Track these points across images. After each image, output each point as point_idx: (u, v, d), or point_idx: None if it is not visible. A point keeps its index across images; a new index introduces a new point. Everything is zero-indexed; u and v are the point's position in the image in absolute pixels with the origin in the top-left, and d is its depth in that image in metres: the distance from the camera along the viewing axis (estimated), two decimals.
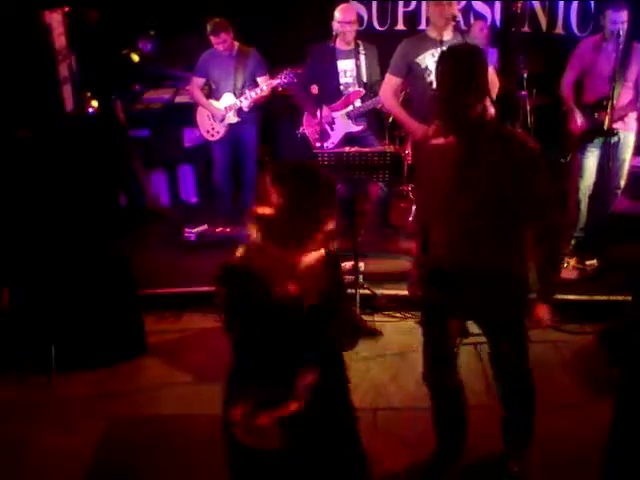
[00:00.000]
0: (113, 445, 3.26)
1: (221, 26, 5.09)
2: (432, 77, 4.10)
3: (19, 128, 3.65)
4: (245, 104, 5.20)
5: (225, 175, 5.46)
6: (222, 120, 5.29)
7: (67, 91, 4.11)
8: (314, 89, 5.05)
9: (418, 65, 4.22)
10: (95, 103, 4.95)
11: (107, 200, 3.89)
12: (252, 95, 5.18)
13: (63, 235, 3.76)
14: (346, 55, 4.90)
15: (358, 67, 4.89)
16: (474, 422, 3.26)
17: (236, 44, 5.22)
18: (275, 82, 5.14)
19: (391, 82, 4.38)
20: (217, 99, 5.33)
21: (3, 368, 3.75)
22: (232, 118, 5.27)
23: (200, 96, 5.41)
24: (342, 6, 4.84)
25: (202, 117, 5.40)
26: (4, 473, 3.09)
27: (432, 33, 4.24)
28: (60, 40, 4.07)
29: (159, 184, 6.18)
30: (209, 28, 5.11)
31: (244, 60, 5.23)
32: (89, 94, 4.87)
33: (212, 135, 5.37)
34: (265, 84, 5.18)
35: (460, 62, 2.39)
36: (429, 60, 4.16)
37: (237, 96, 5.23)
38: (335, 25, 4.75)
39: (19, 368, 3.75)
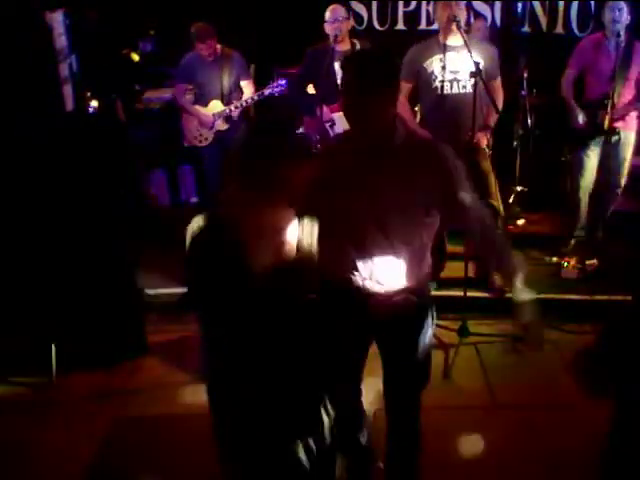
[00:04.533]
0: (113, 445, 3.26)
1: (208, 32, 4.99)
2: (438, 82, 4.12)
3: (19, 128, 3.66)
4: (235, 113, 5.16)
5: (219, 179, 5.42)
6: (211, 127, 5.22)
7: (67, 91, 4.10)
8: (311, 89, 5.03)
9: (425, 70, 4.18)
10: (95, 103, 4.95)
11: (107, 200, 3.89)
12: (242, 104, 5.14)
13: (64, 235, 3.76)
14: (343, 56, 4.85)
15: None
16: (473, 422, 3.27)
17: (219, 47, 5.12)
18: (266, 92, 5.10)
19: (402, 88, 4.34)
20: (204, 105, 5.24)
21: (3, 368, 3.75)
22: (221, 125, 5.21)
23: (186, 103, 5.32)
24: (330, 7, 4.80)
25: (188, 123, 5.31)
26: (5, 473, 3.09)
27: (440, 37, 4.20)
28: (60, 40, 4.07)
29: (159, 184, 6.17)
30: (195, 34, 4.99)
31: (228, 64, 5.14)
32: (89, 94, 4.87)
33: (200, 141, 5.29)
34: (255, 94, 5.14)
35: (361, 68, 2.17)
36: (436, 65, 4.15)
37: (225, 103, 5.18)
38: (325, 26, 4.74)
39: (19, 368, 3.76)
